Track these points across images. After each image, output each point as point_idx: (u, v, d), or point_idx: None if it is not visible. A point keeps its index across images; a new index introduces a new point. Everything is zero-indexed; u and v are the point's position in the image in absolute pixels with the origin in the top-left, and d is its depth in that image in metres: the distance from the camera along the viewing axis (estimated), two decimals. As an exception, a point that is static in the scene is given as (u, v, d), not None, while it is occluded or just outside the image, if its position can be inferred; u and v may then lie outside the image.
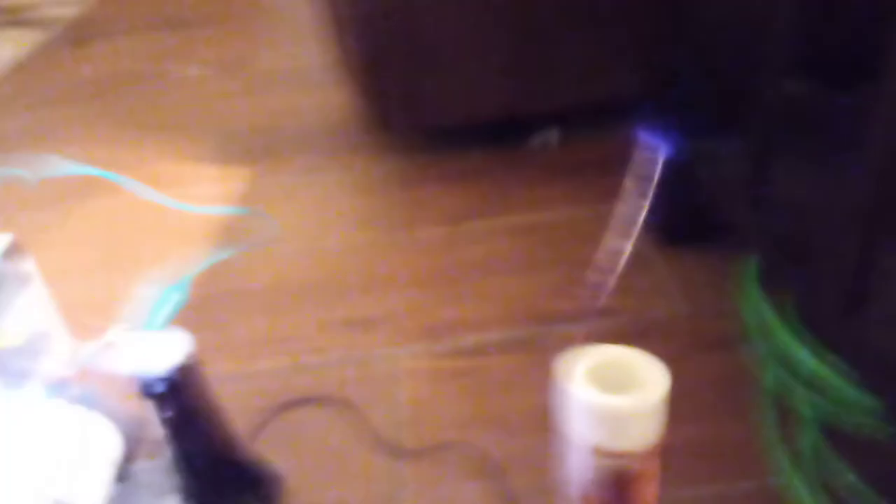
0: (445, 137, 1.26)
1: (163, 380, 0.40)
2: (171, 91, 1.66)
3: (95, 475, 0.53)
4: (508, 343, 0.85)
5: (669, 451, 0.71)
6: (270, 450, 0.75)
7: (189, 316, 0.93)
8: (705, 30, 0.85)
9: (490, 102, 1.16)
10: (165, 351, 0.41)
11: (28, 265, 0.58)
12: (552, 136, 1.22)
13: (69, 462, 0.52)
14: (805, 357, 0.64)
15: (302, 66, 1.68)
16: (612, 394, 0.38)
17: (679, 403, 0.76)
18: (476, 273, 0.97)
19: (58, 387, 0.52)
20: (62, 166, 0.57)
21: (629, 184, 0.41)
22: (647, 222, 0.99)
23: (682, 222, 0.94)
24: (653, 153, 0.40)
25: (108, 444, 0.48)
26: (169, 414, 0.42)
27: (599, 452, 0.39)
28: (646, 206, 0.43)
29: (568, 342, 0.84)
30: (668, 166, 0.94)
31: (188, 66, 1.79)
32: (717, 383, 0.77)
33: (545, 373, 0.81)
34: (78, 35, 2.10)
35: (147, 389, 0.41)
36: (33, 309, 0.58)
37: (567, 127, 1.23)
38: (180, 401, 0.42)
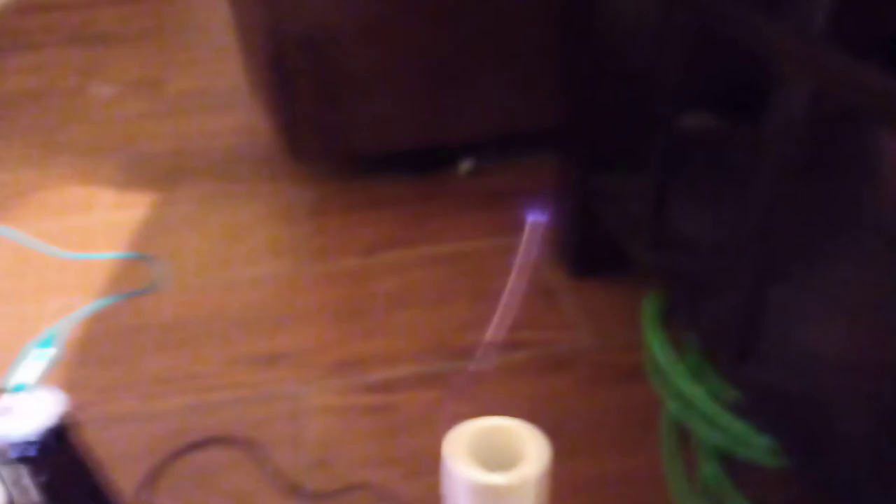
0: (361, 165, 1.25)
1: (33, 443, 0.38)
2: (83, 110, 1.60)
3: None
4: (419, 379, 0.85)
5: (574, 484, 0.73)
6: (171, 494, 0.73)
7: (90, 354, 0.91)
8: (611, 67, 0.87)
9: (406, 130, 1.16)
10: (36, 412, 0.39)
11: None
12: (468, 164, 1.23)
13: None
14: (699, 396, 0.65)
15: (219, 87, 1.65)
16: (491, 469, 0.37)
17: (584, 436, 0.78)
18: (388, 306, 0.96)
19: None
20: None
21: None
22: (555, 255, 1.01)
23: (588, 255, 0.96)
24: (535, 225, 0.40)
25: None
26: (43, 478, 0.40)
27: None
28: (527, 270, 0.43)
29: (476, 379, 0.85)
30: (572, 201, 0.96)
31: (103, 84, 1.73)
32: (621, 415, 0.79)
33: (458, 408, 0.82)
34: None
35: (17, 453, 0.38)
36: None
37: (483, 156, 1.24)
38: (54, 463, 0.40)
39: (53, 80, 1.77)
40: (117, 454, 0.77)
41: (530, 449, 0.38)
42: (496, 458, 0.38)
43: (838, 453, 0.58)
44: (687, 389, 0.66)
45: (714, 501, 0.69)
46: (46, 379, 0.70)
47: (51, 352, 0.67)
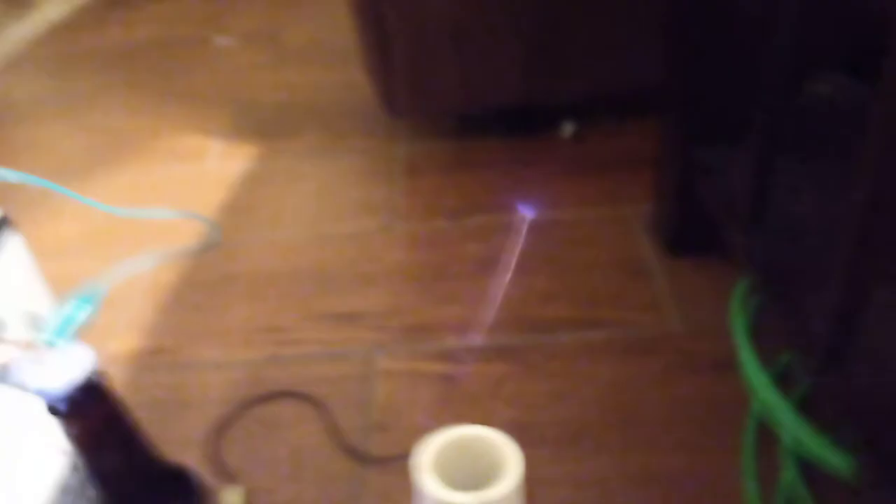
0: (459, 124, 1.23)
1: (63, 399, 0.39)
2: (202, 60, 1.65)
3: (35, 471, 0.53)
4: (491, 350, 0.82)
5: (642, 481, 0.69)
6: (237, 442, 0.75)
7: (174, 300, 0.95)
8: (719, 28, 0.79)
9: (505, 89, 1.12)
10: (67, 367, 0.39)
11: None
12: (571, 127, 1.18)
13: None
14: (778, 403, 0.59)
15: (332, 41, 1.65)
16: (463, 483, 0.34)
17: (661, 427, 0.73)
18: (471, 272, 0.94)
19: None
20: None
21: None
22: (649, 230, 0.95)
23: (685, 233, 0.90)
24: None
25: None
26: (74, 433, 0.41)
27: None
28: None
29: (560, 352, 0.81)
30: (671, 173, 0.89)
31: (222, 35, 1.78)
32: (704, 408, 0.74)
33: (527, 385, 0.79)
34: (117, 0, 2.11)
35: (48, 408, 0.39)
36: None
37: (586, 119, 1.18)
38: (84, 420, 0.41)
39: (180, 31, 1.83)
40: (189, 399, 0.80)
41: (505, 464, 0.35)
42: (470, 470, 0.36)
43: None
44: (767, 397, 0.60)
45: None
46: (94, 331, 0.74)
47: (88, 308, 0.70)
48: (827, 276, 0.65)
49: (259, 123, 1.34)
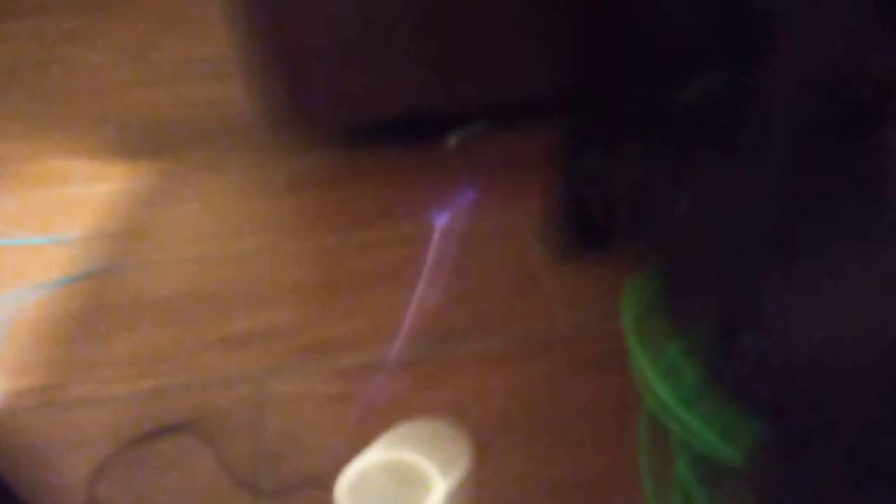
0: (344, 136, 1.21)
1: None
2: (71, 78, 1.56)
3: None
4: (391, 366, 0.81)
5: (546, 480, 0.69)
6: (123, 484, 0.70)
7: (50, 334, 0.88)
8: (603, 39, 0.81)
9: (392, 102, 1.11)
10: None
11: None
12: (456, 139, 1.18)
13: None
14: (665, 394, 0.61)
15: (208, 55, 1.60)
16: None
17: (560, 429, 0.74)
18: (364, 286, 0.92)
19: None
20: None
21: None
22: (540, 236, 0.97)
23: (573, 239, 0.91)
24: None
25: None
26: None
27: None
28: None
29: (456, 363, 0.81)
30: (561, 178, 0.91)
31: (93, 51, 1.69)
32: (598, 408, 0.75)
33: (426, 399, 0.78)
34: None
35: None
36: None
37: (471, 130, 1.19)
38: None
39: (47, 47, 1.73)
40: (71, 440, 0.75)
41: (427, 486, 0.34)
42: (394, 496, 0.34)
43: (824, 445, 0.53)
44: (659, 389, 0.62)
45: (687, 501, 0.65)
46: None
47: None
48: (708, 271, 0.67)
49: (132, 143, 1.27)
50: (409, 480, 0.35)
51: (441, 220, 1.00)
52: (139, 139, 1.29)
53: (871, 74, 0.45)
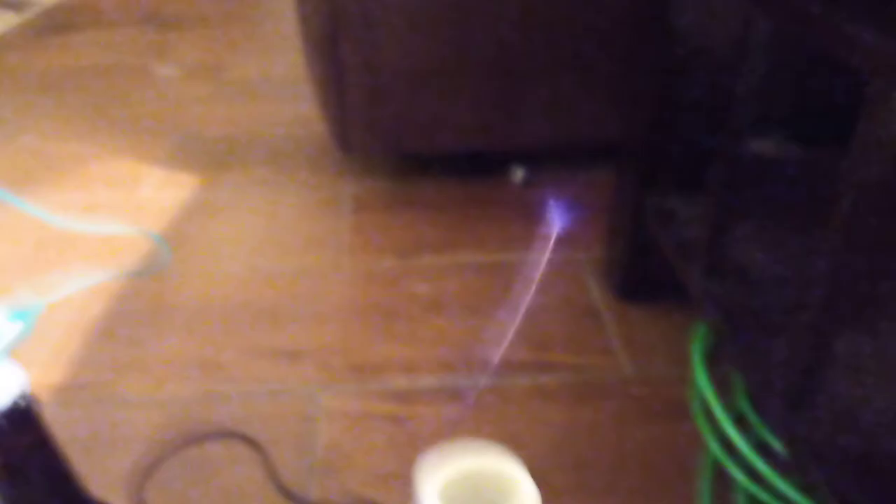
0: (410, 164, 1.21)
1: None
2: (142, 89, 1.60)
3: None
4: (440, 391, 0.79)
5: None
6: (165, 486, 0.69)
7: (102, 330, 0.89)
8: (683, 79, 0.80)
9: (458, 132, 1.12)
10: (-4, 389, 0.35)
11: None
12: (521, 173, 1.18)
13: None
14: (741, 445, 0.58)
15: (279, 76, 1.63)
16: None
17: (614, 475, 0.71)
18: (418, 312, 0.91)
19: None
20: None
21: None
22: (604, 276, 0.95)
23: (638, 279, 0.89)
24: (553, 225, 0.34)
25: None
26: (-3, 460, 0.36)
27: None
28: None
29: (512, 397, 0.79)
30: (627, 220, 0.89)
31: (165, 65, 1.74)
32: (657, 455, 0.72)
33: (479, 429, 0.76)
34: (59, 22, 2.04)
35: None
36: None
37: (537, 167, 1.19)
38: (9, 446, 0.36)
39: (121, 58, 1.78)
40: (118, 438, 0.74)
41: (516, 496, 0.32)
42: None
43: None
44: (730, 436, 0.59)
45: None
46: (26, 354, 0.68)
47: (20, 326, 0.64)
48: (785, 325, 0.65)
49: (201, 155, 1.30)
50: (497, 486, 0.33)
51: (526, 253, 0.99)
52: (208, 151, 1.31)
53: None
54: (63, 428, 0.75)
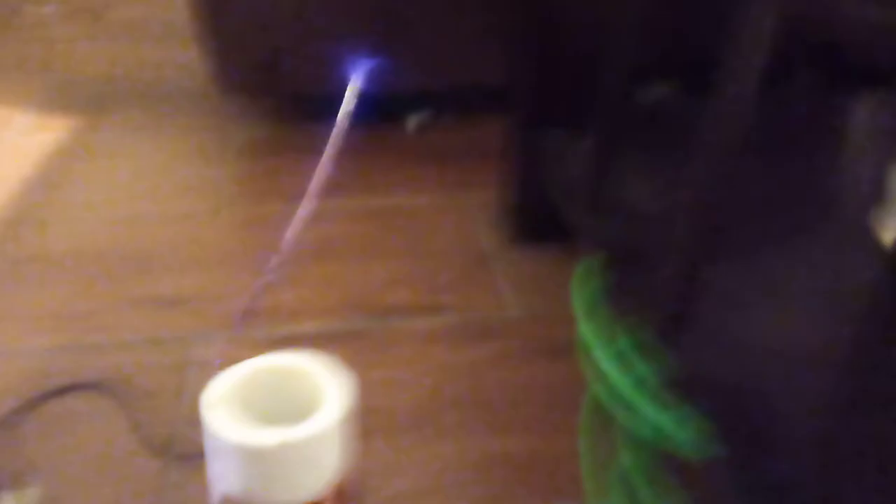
0: (299, 109, 1.16)
1: None
2: (17, 30, 1.48)
3: None
4: (326, 337, 0.76)
5: (484, 465, 0.66)
6: (20, 446, 0.64)
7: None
8: (566, 18, 0.79)
9: (342, 75, 1.07)
10: None
11: None
12: (424, 118, 1.15)
13: None
14: (621, 380, 0.58)
15: (161, 18, 1.54)
16: (264, 426, 0.29)
17: (501, 413, 0.71)
18: (307, 257, 0.88)
19: None
20: None
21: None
22: (492, 217, 0.94)
23: (526, 221, 0.88)
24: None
25: None
26: None
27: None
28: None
29: (396, 340, 0.77)
30: (515, 160, 0.88)
31: (42, 3, 1.62)
32: (542, 394, 0.72)
33: (364, 373, 0.74)
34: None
35: None
36: None
37: (433, 112, 1.16)
38: None
39: (-9, -5, 1.64)
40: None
41: (325, 396, 0.30)
42: (282, 409, 0.30)
43: (775, 450, 0.51)
44: (610, 373, 0.59)
45: (629, 492, 0.62)
46: None
47: None
48: (661, 259, 0.65)
49: (77, 97, 1.21)
50: (295, 386, 0.30)
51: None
52: (84, 93, 1.22)
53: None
54: None
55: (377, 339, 0.76)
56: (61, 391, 0.69)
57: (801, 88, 0.92)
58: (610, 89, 0.66)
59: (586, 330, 0.66)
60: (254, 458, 0.27)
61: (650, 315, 0.61)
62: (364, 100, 1.14)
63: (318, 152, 1.06)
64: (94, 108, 1.18)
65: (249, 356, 0.73)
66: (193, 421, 0.66)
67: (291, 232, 0.39)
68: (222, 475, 0.28)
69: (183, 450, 0.64)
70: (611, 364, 0.60)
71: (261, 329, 0.77)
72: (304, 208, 0.36)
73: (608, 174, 0.70)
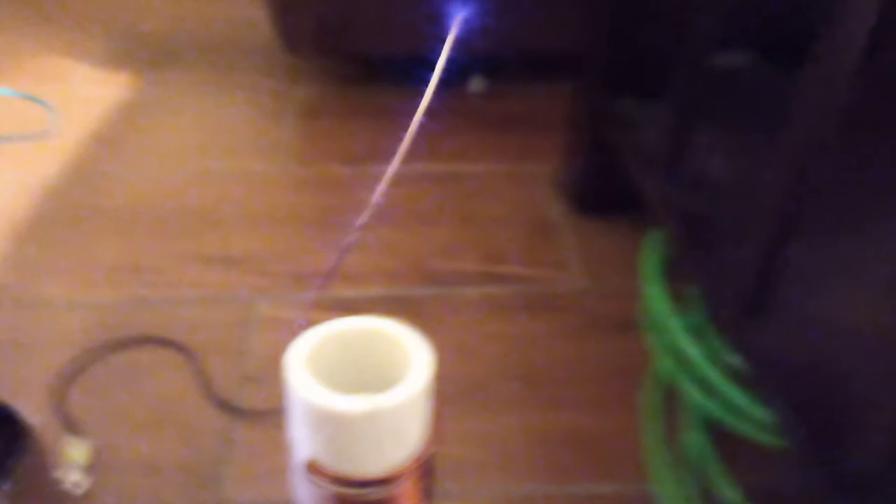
0: (362, 69, 1.15)
1: None
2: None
3: None
4: (385, 301, 0.76)
5: (544, 439, 0.65)
6: (84, 395, 0.65)
7: (23, 230, 0.82)
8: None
9: (415, 37, 1.05)
10: None
11: None
12: (480, 84, 1.12)
13: None
14: (695, 355, 0.56)
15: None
16: (346, 390, 0.27)
17: (562, 386, 0.69)
18: (373, 220, 0.86)
19: None
20: None
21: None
22: (558, 186, 0.91)
23: (595, 190, 0.86)
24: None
25: None
26: None
27: (317, 472, 0.28)
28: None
29: (460, 306, 0.76)
30: (584, 126, 0.85)
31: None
32: (606, 369, 0.70)
33: (427, 340, 0.73)
34: None
35: None
36: None
37: (497, 77, 1.13)
38: None
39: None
40: (38, 341, 0.70)
41: (409, 363, 0.28)
42: (363, 373, 0.29)
43: (851, 442, 0.49)
44: (683, 346, 0.56)
45: (691, 473, 0.60)
46: None
47: None
48: (741, 234, 0.62)
49: (138, 52, 1.21)
50: (379, 351, 0.29)
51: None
52: (147, 48, 1.22)
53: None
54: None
55: (439, 306, 0.75)
56: (123, 344, 0.69)
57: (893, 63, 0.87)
58: (692, 54, 0.63)
59: (656, 302, 0.64)
60: (344, 423, 0.26)
61: (725, 294, 0.58)
62: (427, 65, 1.12)
63: (375, 115, 1.05)
64: (157, 63, 1.18)
65: (315, 318, 0.72)
66: (258, 378, 0.67)
67: (377, 194, 0.38)
68: (307, 439, 0.27)
69: (247, 405, 0.64)
70: (684, 337, 0.58)
71: (326, 291, 0.76)
72: (391, 170, 0.35)
73: (686, 143, 0.67)
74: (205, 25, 1.31)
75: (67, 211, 0.86)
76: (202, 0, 1.39)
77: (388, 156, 0.96)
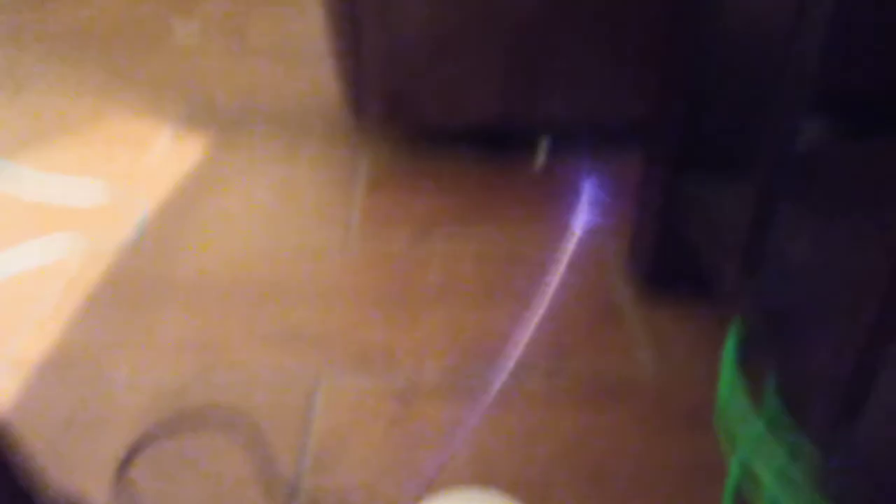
0: (429, 138, 1.15)
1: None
2: (156, 46, 1.55)
3: None
4: (450, 389, 0.74)
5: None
6: (146, 475, 0.65)
7: (91, 303, 0.84)
8: (726, 51, 0.73)
9: (481, 108, 1.05)
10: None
11: None
12: (545, 155, 1.11)
13: None
14: (775, 454, 0.52)
15: (302, 40, 1.56)
16: None
17: (630, 483, 0.66)
18: (429, 298, 0.85)
19: None
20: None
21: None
22: (625, 267, 0.88)
23: (664, 271, 0.83)
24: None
25: None
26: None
27: None
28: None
29: (523, 397, 0.73)
30: (654, 204, 0.83)
31: (186, 22, 1.68)
32: (678, 464, 0.67)
33: (486, 432, 0.70)
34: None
35: None
36: None
37: (562, 146, 1.11)
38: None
39: (132, 12, 1.73)
40: (99, 420, 0.70)
41: None
42: None
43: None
44: (761, 443, 0.53)
45: None
46: None
47: None
48: (831, 327, 0.58)
49: (214, 120, 1.24)
50: None
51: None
52: (221, 114, 1.25)
53: None
54: (49, 408, 0.71)
55: (501, 396, 0.73)
56: (186, 424, 0.69)
57: None
58: (779, 131, 0.60)
59: (731, 396, 0.61)
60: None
61: (811, 398, 0.54)
62: (493, 135, 1.11)
63: (440, 187, 1.04)
64: (230, 131, 1.20)
65: (368, 400, 0.71)
66: (320, 463, 0.65)
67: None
68: None
69: (309, 492, 0.63)
70: (751, 448, 0.55)
71: (382, 373, 0.75)
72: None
73: (767, 226, 0.63)
74: (277, 90, 1.34)
75: (135, 282, 0.87)
76: (278, 68, 1.43)
77: (450, 232, 0.95)
